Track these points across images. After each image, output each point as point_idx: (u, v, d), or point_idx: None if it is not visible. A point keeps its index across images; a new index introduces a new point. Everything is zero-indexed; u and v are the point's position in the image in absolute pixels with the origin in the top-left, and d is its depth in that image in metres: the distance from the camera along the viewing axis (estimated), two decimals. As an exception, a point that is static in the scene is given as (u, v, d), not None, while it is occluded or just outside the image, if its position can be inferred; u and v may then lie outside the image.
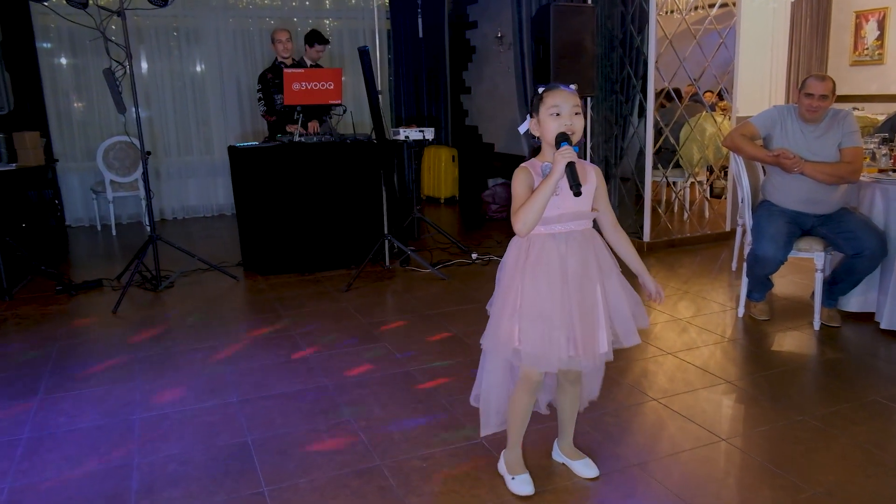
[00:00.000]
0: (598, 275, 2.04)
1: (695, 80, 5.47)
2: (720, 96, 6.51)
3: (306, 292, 4.39)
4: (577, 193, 1.85)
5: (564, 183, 1.98)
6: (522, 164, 2.00)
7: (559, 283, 1.97)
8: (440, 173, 7.93)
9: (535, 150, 2.05)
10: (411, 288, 4.43)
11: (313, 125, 5.26)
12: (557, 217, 1.97)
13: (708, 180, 6.36)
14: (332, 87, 4.90)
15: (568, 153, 1.87)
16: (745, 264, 3.69)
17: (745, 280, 3.73)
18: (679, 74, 5.38)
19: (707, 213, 6.28)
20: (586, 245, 2.04)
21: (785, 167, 3.41)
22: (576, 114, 1.95)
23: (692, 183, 6.02)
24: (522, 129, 2.08)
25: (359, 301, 4.17)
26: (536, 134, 2.01)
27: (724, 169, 5.95)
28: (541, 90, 1.99)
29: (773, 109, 3.55)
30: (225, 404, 2.86)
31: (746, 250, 3.70)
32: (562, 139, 1.92)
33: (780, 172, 3.49)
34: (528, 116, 2.06)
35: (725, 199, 5.72)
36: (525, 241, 2.02)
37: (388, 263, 4.87)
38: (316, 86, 4.85)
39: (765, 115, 3.56)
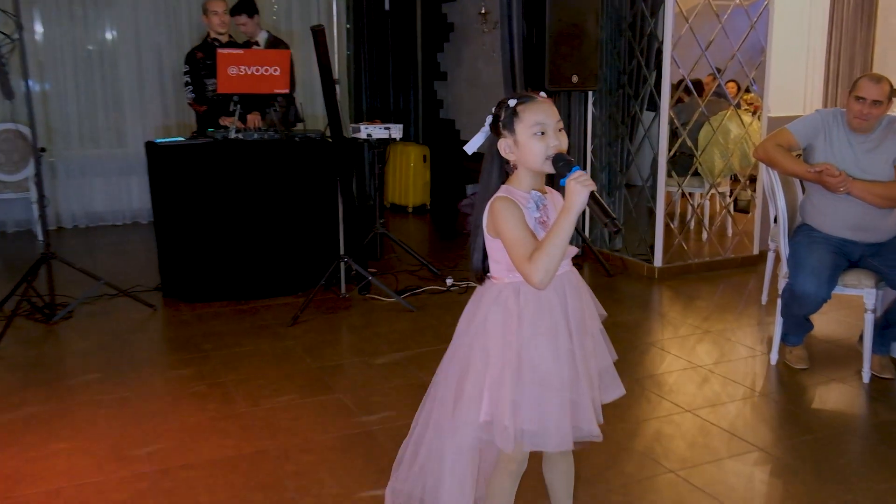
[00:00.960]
0: (591, 324, 2.05)
1: (718, 70, 5.51)
2: (747, 89, 6.59)
3: (242, 326, 4.35)
4: (617, 230, 1.81)
5: (551, 215, 1.97)
6: (500, 195, 1.93)
7: (564, 338, 1.95)
8: (408, 176, 7.93)
9: (504, 174, 2.00)
10: (372, 322, 4.41)
11: (253, 118, 5.21)
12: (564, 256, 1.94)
13: (732, 193, 6.42)
14: (278, 72, 4.86)
15: (587, 179, 1.83)
16: (779, 301, 3.70)
17: (779, 320, 3.74)
18: (699, 64, 5.42)
19: (730, 232, 6.34)
20: (580, 289, 2.04)
21: (829, 186, 3.43)
22: (560, 129, 1.93)
23: (712, 194, 6.06)
24: (472, 147, 2.03)
25: (307, 338, 4.14)
26: (509, 158, 1.96)
27: (753, 179, 6.01)
28: (512, 103, 1.93)
29: (816, 115, 3.57)
30: (136, 476, 2.77)
31: (781, 283, 3.71)
32: (566, 163, 1.89)
33: (823, 192, 3.51)
34: (485, 131, 1.99)
35: (753, 215, 5.76)
36: (512, 292, 1.98)
37: (343, 290, 4.83)
38: (258, 71, 4.81)
39: (805, 121, 3.58)
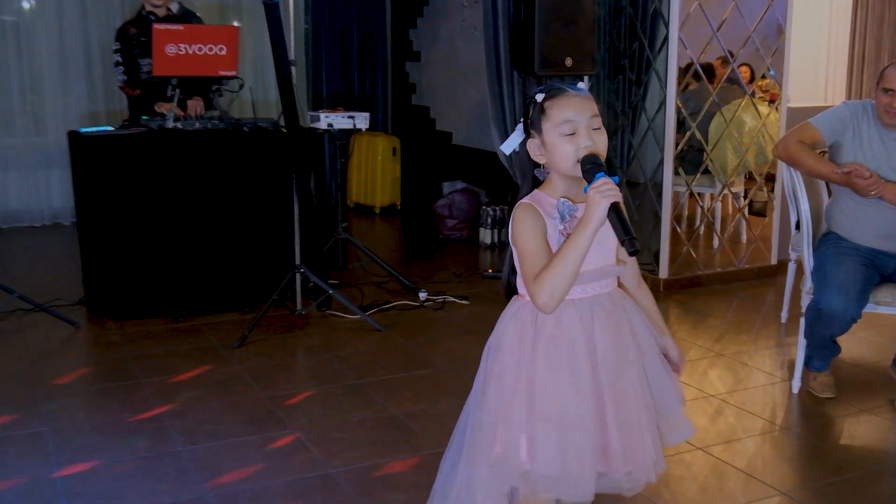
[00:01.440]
0: (637, 356, 2.02)
1: (730, 53, 5.52)
2: (762, 76, 6.61)
3: (180, 348, 4.31)
4: (634, 250, 1.80)
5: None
6: (524, 201, 1.95)
7: (586, 372, 1.94)
8: (376, 172, 7.93)
9: (535, 181, 2.02)
10: (333, 343, 4.40)
11: (195, 105, 5.17)
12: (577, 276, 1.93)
13: (747, 194, 6.42)
14: (224, 52, 4.85)
15: (609, 189, 1.81)
16: (801, 319, 3.70)
17: (801, 341, 3.74)
18: (710, 46, 5.42)
19: (744, 238, 6.35)
20: (618, 315, 2.02)
21: (858, 189, 3.43)
22: (595, 128, 1.92)
23: (724, 195, 6.07)
24: (508, 148, 2.04)
25: (256, 363, 4.12)
26: (540, 161, 1.98)
27: (770, 178, 6.01)
28: (539, 98, 1.95)
29: (844, 108, 3.58)
30: (53, 528, 2.69)
31: (804, 300, 3.71)
32: (594, 167, 1.86)
33: (852, 196, 3.51)
34: (518, 130, 2.02)
35: (771, 219, 5.78)
36: (529, 312, 1.98)
37: (299, 306, 4.81)
38: (201, 49, 4.78)
39: (831, 115, 3.59)
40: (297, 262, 4.72)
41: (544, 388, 1.93)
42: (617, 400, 1.96)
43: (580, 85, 1.99)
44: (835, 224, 3.66)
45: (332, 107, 6.87)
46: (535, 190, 2.01)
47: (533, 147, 1.97)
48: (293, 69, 4.55)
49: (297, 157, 4.68)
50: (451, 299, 5.10)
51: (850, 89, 9.94)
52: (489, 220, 6.57)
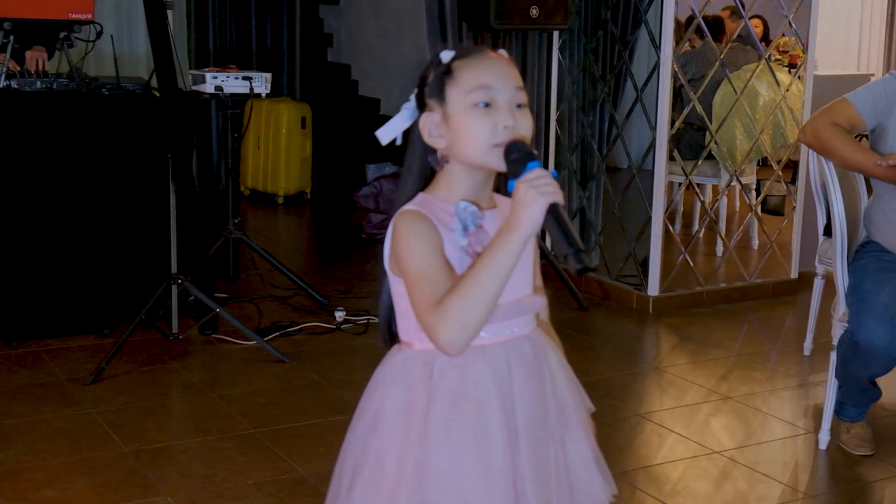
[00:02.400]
0: (559, 425, 1.97)
1: (741, 3, 5.56)
2: (781, 33, 6.71)
3: (13, 384, 4.24)
4: (584, 268, 1.73)
5: (486, 242, 1.88)
6: (407, 208, 1.88)
7: (500, 446, 1.87)
8: (279, 150, 7.90)
9: (428, 175, 1.94)
10: (220, 379, 4.35)
11: (36, 57, 5.09)
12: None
13: (760, 187, 6.49)
14: None
15: (547, 184, 1.75)
16: (832, 355, 3.72)
17: (831, 382, 3.76)
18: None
19: (756, 243, 6.42)
20: (541, 366, 1.96)
21: (906, 185, 3.47)
22: (519, 106, 1.85)
23: (731, 187, 6.12)
24: (387, 134, 1.95)
25: (117, 404, 4.04)
26: (436, 144, 1.89)
27: (791, 166, 6.08)
28: (445, 56, 1.88)
29: (891, 80, 3.61)
30: None
31: (835, 330, 3.72)
32: (522, 155, 1.80)
33: (898, 194, 3.55)
34: (405, 109, 1.94)
35: (791, 220, 5.83)
36: (421, 366, 1.91)
37: (175, 328, 4.75)
38: None
39: (875, 90, 3.61)
40: (174, 269, 4.64)
41: (441, 472, 1.87)
42: (538, 483, 1.90)
43: (501, 51, 1.93)
44: (875, 231, 3.68)
45: (222, 64, 6.75)
46: (421, 193, 1.92)
47: (429, 124, 1.88)
48: (169, 14, 4.49)
49: (173, 131, 4.62)
50: (377, 320, 5.03)
51: (891, 54, 10.15)
52: (427, 215, 6.53)
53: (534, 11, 5.07)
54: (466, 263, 1.84)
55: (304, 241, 7.07)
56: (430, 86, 1.88)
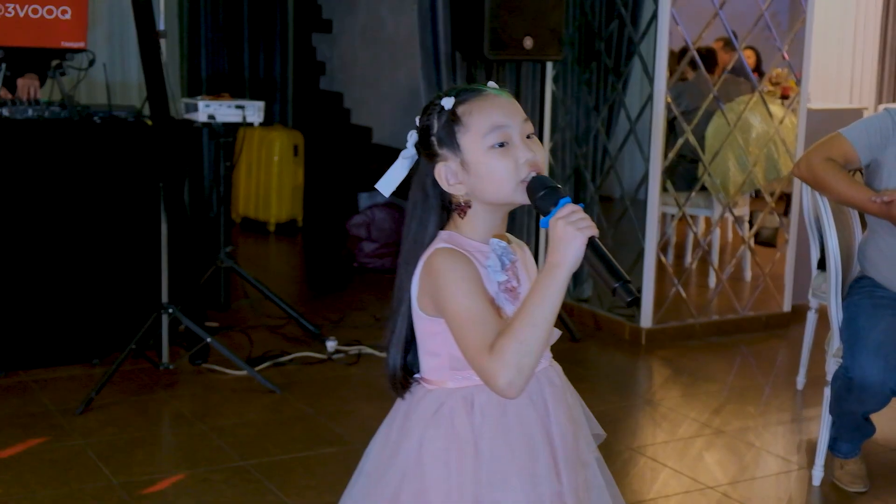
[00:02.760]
0: (584, 448, 2.04)
1: (734, 34, 5.58)
2: (758, 63, 6.71)
3: (2, 413, 4.22)
4: (634, 299, 1.76)
5: (522, 278, 1.95)
6: (443, 246, 1.89)
7: (548, 479, 1.91)
8: (271, 177, 7.90)
9: (444, 212, 1.96)
10: (211, 409, 4.33)
11: (28, 85, 5.06)
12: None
13: (752, 219, 6.49)
14: (68, 16, 4.79)
15: (583, 219, 1.78)
16: (826, 390, 3.71)
17: (825, 418, 3.75)
18: (710, 26, 5.48)
19: (749, 275, 6.41)
20: (565, 396, 2.01)
21: (899, 221, 3.48)
22: (529, 136, 1.89)
23: (723, 218, 6.13)
24: (388, 186, 2.00)
25: (106, 436, 4.00)
26: (456, 191, 1.91)
27: (785, 198, 6.08)
28: (447, 103, 1.89)
29: (886, 116, 3.61)
30: None
31: (829, 365, 3.72)
32: (551, 191, 1.83)
33: (894, 231, 3.54)
34: (407, 156, 1.97)
35: (784, 254, 5.83)
36: (460, 402, 1.91)
37: (165, 358, 4.74)
38: (37, 12, 4.71)
39: (869, 125, 3.61)
40: (165, 299, 4.62)
41: None
42: None
43: (491, 83, 1.95)
44: (870, 266, 3.67)
45: (215, 92, 6.75)
46: (445, 231, 1.93)
47: (446, 174, 1.90)
48: (162, 42, 4.49)
49: (166, 159, 4.61)
50: (369, 351, 5.04)
51: (882, 87, 10.19)
52: (420, 244, 6.51)
53: (528, 42, 5.06)
54: (503, 299, 1.89)
55: (295, 270, 7.05)
56: (439, 136, 1.89)
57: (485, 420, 1.89)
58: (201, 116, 5.08)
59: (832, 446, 3.79)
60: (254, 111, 5.16)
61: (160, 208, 4.63)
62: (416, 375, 1.98)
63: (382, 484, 1.94)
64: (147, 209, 4.79)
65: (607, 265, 1.77)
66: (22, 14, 4.69)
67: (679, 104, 5.84)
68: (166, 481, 3.63)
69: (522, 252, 2.00)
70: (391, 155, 7.39)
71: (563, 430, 1.94)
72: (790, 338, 5.59)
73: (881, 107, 8.52)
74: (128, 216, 4.87)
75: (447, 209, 1.94)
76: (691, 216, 6.20)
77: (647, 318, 5.40)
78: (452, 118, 1.88)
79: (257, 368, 4.67)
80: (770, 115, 5.86)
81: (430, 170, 1.91)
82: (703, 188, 5.92)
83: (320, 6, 8.48)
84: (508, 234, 1.99)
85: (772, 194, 5.91)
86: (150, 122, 4.80)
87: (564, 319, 5.36)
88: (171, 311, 4.61)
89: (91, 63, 4.86)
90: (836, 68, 9.59)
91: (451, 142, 1.88)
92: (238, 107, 5.11)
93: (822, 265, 4.49)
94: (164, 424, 4.22)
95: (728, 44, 7.23)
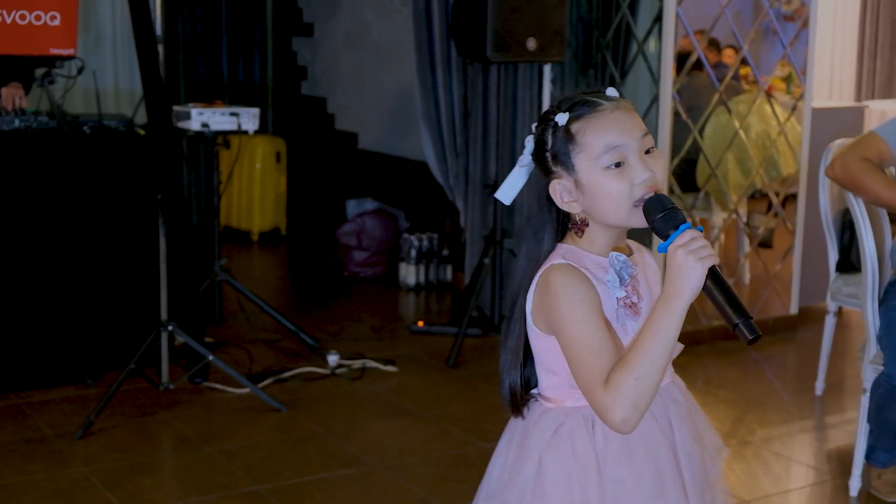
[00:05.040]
0: (711, 466, 2.02)
1: (738, 33, 5.54)
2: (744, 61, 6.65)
3: None
4: (756, 336, 1.73)
5: (644, 292, 1.90)
6: (559, 262, 1.86)
7: (677, 500, 1.89)
8: (253, 186, 7.82)
9: (562, 227, 1.93)
10: (216, 431, 4.25)
11: (13, 94, 4.95)
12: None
13: (749, 220, 6.41)
14: (57, 22, 4.74)
15: (704, 248, 1.72)
16: (863, 399, 3.65)
17: (862, 426, 3.68)
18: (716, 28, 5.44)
19: (747, 279, 6.33)
20: (691, 415, 1.99)
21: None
22: (648, 152, 1.84)
23: (730, 221, 6.04)
24: (509, 195, 1.96)
25: (109, 461, 3.93)
26: (572, 209, 1.89)
27: (791, 199, 6.00)
28: (561, 120, 1.84)
29: (919, 112, 3.53)
30: None
31: (866, 372, 3.63)
32: (669, 214, 1.77)
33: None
34: (524, 163, 1.93)
35: (791, 258, 5.74)
36: (580, 423, 1.88)
37: (165, 377, 4.61)
38: (24, 17, 4.67)
39: (905, 122, 3.55)
40: (164, 315, 4.48)
41: None
42: None
43: (610, 91, 1.89)
44: (905, 270, 3.60)
45: (193, 99, 6.62)
46: (563, 244, 1.91)
47: (560, 192, 1.87)
48: (160, 47, 4.36)
49: (163, 170, 4.54)
50: (373, 364, 4.92)
51: (861, 81, 10.20)
52: (413, 252, 6.42)
53: (531, 44, 4.98)
54: (623, 315, 1.87)
55: (282, 280, 6.93)
56: (553, 153, 1.86)
57: (608, 442, 1.86)
58: (194, 125, 4.98)
59: (869, 455, 3.72)
60: (248, 118, 5.08)
61: (156, 221, 4.55)
62: (534, 391, 1.96)
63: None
64: (140, 222, 4.74)
65: (728, 299, 1.73)
66: (9, 20, 4.64)
67: (683, 105, 5.77)
68: None
69: (643, 259, 1.94)
70: (378, 161, 7.34)
71: (688, 449, 1.92)
72: (799, 341, 5.56)
73: (867, 103, 8.51)
74: (120, 229, 4.81)
75: (564, 224, 1.91)
76: (690, 220, 6.11)
77: (655, 325, 5.29)
78: (567, 136, 1.84)
79: (259, 386, 4.56)
80: (776, 114, 5.78)
81: (545, 185, 1.88)
82: (697, 189, 5.85)
83: (301, 10, 8.37)
84: (631, 241, 1.96)
85: (777, 194, 5.83)
86: (141, 132, 4.76)
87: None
88: (170, 327, 4.47)
89: (80, 71, 4.81)
90: (815, 67, 9.59)
91: (565, 160, 1.85)
92: (233, 114, 5.03)
93: (840, 267, 4.42)
94: (169, 448, 4.12)
95: (712, 43, 7.20)
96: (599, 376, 1.75)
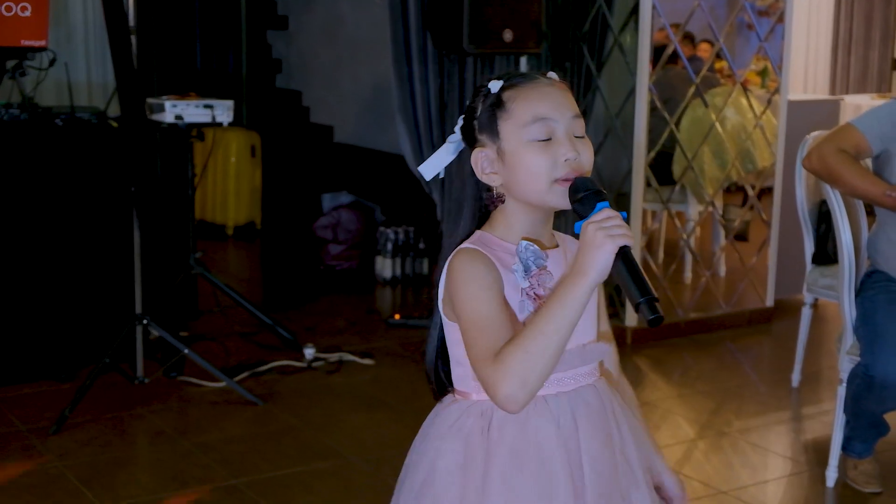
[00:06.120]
0: (627, 480, 1.88)
1: (714, 25, 5.54)
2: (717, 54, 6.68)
3: None
4: (656, 317, 1.65)
5: (549, 285, 1.82)
6: (466, 246, 1.81)
7: None
8: (228, 179, 7.77)
9: (482, 213, 1.89)
10: (192, 425, 4.25)
11: None
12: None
13: (726, 214, 6.44)
14: (28, 13, 4.71)
15: (618, 226, 1.68)
16: (840, 390, 3.65)
17: (839, 418, 3.69)
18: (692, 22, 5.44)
19: (723, 271, 6.35)
20: (606, 419, 1.87)
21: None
22: (578, 136, 1.80)
23: (706, 214, 6.06)
24: (431, 170, 1.91)
25: (84, 456, 3.90)
26: (491, 182, 1.84)
27: (765, 192, 6.02)
28: (494, 86, 1.82)
29: (895, 104, 3.54)
30: None
31: (844, 362, 3.64)
32: (591, 194, 1.73)
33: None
34: (448, 144, 1.91)
35: (766, 251, 5.75)
36: (477, 418, 1.83)
37: (140, 372, 4.59)
38: None
39: (881, 115, 3.56)
40: (138, 309, 4.46)
41: None
42: None
43: (551, 74, 1.86)
44: (883, 260, 3.61)
45: (165, 92, 6.55)
46: (479, 230, 1.86)
47: (482, 161, 1.82)
48: (133, 38, 4.39)
49: (137, 162, 4.51)
50: (350, 357, 4.91)
51: (836, 76, 10.26)
52: (388, 245, 6.40)
53: (507, 35, 4.96)
54: (527, 307, 1.80)
55: (258, 274, 6.89)
56: (481, 120, 1.83)
57: (500, 438, 1.80)
58: (168, 117, 4.90)
59: (845, 446, 3.74)
60: (223, 111, 5.00)
61: (130, 214, 4.51)
62: (452, 387, 1.92)
63: (405, 491, 1.90)
64: (114, 215, 4.71)
65: (635, 278, 1.66)
66: (-20, 12, 4.62)
67: (660, 97, 5.78)
68: (154, 503, 3.53)
69: (566, 253, 1.86)
70: (353, 154, 7.31)
71: (594, 455, 1.82)
72: (775, 333, 5.58)
73: (842, 97, 8.55)
74: (93, 223, 4.78)
75: (485, 206, 1.85)
76: (664, 212, 6.11)
77: (632, 317, 5.29)
78: (497, 102, 1.79)
79: (235, 379, 4.53)
80: (752, 107, 5.80)
81: (468, 157, 1.84)
82: (673, 182, 5.86)
83: (275, 3, 8.35)
84: (560, 234, 1.90)
85: (753, 187, 5.84)
86: (114, 124, 4.72)
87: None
88: (145, 321, 4.44)
89: (52, 63, 4.78)
90: (791, 62, 9.65)
91: (491, 127, 1.80)
92: (207, 106, 4.95)
93: (816, 259, 4.44)
94: (145, 442, 4.10)
95: (687, 37, 7.22)
96: (489, 352, 1.69)
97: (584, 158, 1.78)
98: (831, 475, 3.71)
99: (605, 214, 1.68)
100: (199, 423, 4.20)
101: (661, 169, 6.19)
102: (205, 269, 5.25)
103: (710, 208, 5.88)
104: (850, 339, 3.62)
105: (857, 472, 3.71)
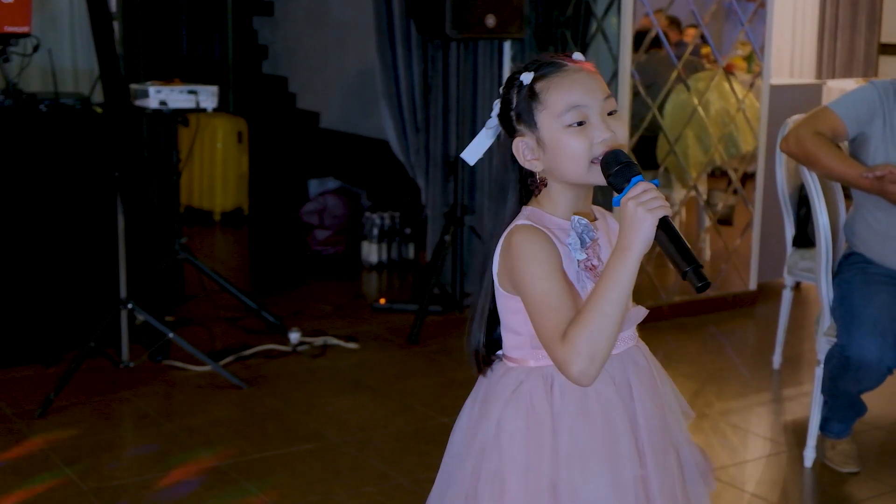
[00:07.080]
0: (677, 437, 2.03)
1: (697, 11, 5.55)
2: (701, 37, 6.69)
3: None
4: (705, 283, 1.75)
5: (605, 255, 1.93)
6: (522, 223, 1.90)
7: (630, 462, 1.90)
8: (215, 165, 7.76)
9: (525, 192, 1.98)
10: (177, 408, 4.26)
11: None
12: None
13: (709, 197, 6.47)
14: (11, 0, 4.67)
15: (655, 199, 1.77)
16: (817, 370, 3.68)
17: (817, 398, 3.72)
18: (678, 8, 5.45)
19: (708, 255, 6.38)
20: (653, 377, 2.02)
21: (893, 198, 3.42)
22: (610, 114, 1.89)
23: (690, 198, 6.08)
24: (473, 155, 2.01)
25: (69, 439, 3.92)
26: (534, 168, 1.94)
27: (749, 177, 6.04)
28: (526, 78, 1.90)
29: (871, 88, 3.57)
30: None
31: (821, 343, 3.67)
32: (624, 167, 1.82)
33: (883, 206, 3.50)
34: (491, 125, 1.98)
35: (750, 234, 5.77)
36: (539, 381, 1.92)
37: (125, 356, 4.61)
38: None
39: (857, 98, 3.58)
40: (123, 293, 4.47)
41: (574, 488, 1.87)
42: (665, 492, 1.93)
43: (577, 55, 1.95)
44: (860, 242, 3.64)
45: (151, 78, 6.55)
46: (527, 206, 1.96)
47: (523, 149, 1.92)
48: (115, 26, 4.35)
49: (121, 148, 4.54)
50: (335, 342, 4.93)
51: (822, 61, 10.27)
52: (374, 230, 6.42)
53: (490, 20, 4.97)
54: (583, 278, 1.90)
55: (245, 260, 6.89)
56: (517, 111, 1.92)
57: (564, 400, 1.90)
58: (152, 103, 4.89)
59: (823, 427, 3.77)
60: (207, 96, 4.99)
61: (114, 199, 4.52)
62: (499, 353, 1.99)
63: (464, 462, 1.97)
64: (98, 200, 4.71)
65: (679, 248, 1.75)
66: (-39, -2, 4.60)
67: (643, 81, 5.79)
68: (136, 485, 3.55)
69: (606, 225, 1.98)
70: (339, 140, 7.31)
71: (648, 411, 1.94)
72: (758, 316, 5.60)
73: (825, 81, 8.58)
74: (78, 208, 4.77)
75: (528, 188, 1.95)
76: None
77: (615, 301, 5.32)
78: (531, 94, 1.89)
79: (221, 363, 4.55)
80: (734, 91, 5.82)
81: (509, 145, 1.93)
82: (657, 166, 5.88)
83: (261, -13, 8.35)
84: (596, 207, 2.00)
85: (735, 171, 5.86)
86: (99, 110, 4.72)
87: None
88: (129, 306, 4.45)
89: (36, 49, 4.76)
90: (776, 46, 9.66)
91: (528, 118, 1.90)
92: (191, 92, 4.94)
93: (797, 242, 4.47)
94: (129, 425, 4.11)
95: (673, 22, 7.23)
96: (558, 331, 1.79)
97: (619, 135, 1.87)
98: (809, 455, 3.74)
99: (641, 188, 1.77)
100: (184, 407, 4.21)
101: (646, 153, 6.22)
102: (190, 254, 5.25)
103: (694, 192, 5.90)
104: (827, 321, 3.65)
105: (835, 453, 3.73)
